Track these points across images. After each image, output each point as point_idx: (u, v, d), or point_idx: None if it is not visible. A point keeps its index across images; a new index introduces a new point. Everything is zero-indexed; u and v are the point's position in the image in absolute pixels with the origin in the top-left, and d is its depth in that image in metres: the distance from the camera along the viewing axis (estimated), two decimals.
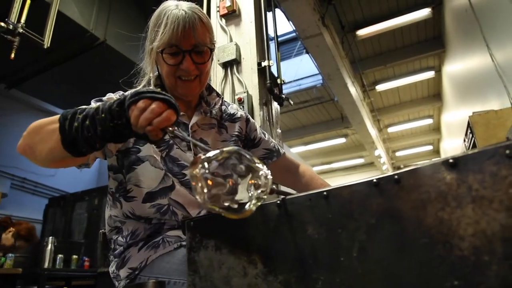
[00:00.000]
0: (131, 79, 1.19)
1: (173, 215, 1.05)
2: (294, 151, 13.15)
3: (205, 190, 0.61)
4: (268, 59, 2.75)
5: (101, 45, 4.72)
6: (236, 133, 1.27)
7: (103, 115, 0.75)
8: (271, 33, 3.23)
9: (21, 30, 2.76)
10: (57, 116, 0.82)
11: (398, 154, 15.13)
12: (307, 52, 6.25)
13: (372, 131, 9.80)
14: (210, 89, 1.29)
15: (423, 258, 0.50)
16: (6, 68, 5.11)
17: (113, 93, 1.14)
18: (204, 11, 3.25)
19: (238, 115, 1.32)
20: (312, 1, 4.98)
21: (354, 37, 7.29)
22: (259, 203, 0.63)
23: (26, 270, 3.36)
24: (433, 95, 10.44)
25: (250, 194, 0.63)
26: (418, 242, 0.51)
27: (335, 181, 14.74)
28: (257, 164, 0.64)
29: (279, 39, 3.44)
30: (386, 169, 13.51)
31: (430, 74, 8.98)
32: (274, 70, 2.87)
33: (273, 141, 1.40)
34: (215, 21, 2.97)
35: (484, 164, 0.49)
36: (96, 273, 3.82)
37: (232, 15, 2.90)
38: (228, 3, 2.84)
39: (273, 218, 0.66)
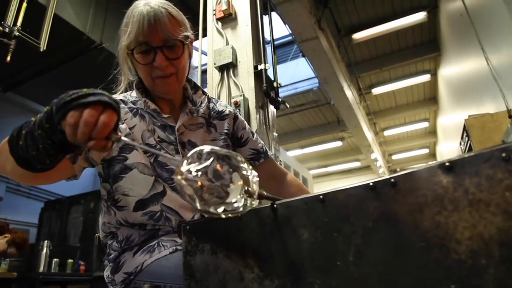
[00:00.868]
0: (111, 86, 1.16)
1: (166, 221, 1.03)
2: (290, 154, 13.15)
3: (193, 197, 0.60)
4: (265, 63, 2.76)
5: (98, 48, 4.72)
6: (225, 131, 1.23)
7: (39, 131, 0.66)
8: (267, 36, 3.24)
9: (17, 33, 2.75)
10: None
11: (394, 157, 15.19)
12: (303, 56, 6.28)
13: (369, 134, 9.83)
14: (196, 87, 1.25)
15: (420, 262, 0.50)
16: (2, 71, 5.08)
17: None
18: (201, 14, 3.25)
19: (227, 112, 1.27)
20: (308, 5, 5.01)
21: (350, 41, 7.32)
22: (248, 202, 0.63)
23: (21, 274, 3.34)
24: (429, 98, 10.50)
25: (239, 195, 0.62)
26: (415, 245, 0.51)
27: (332, 185, 14.74)
28: (241, 164, 0.63)
29: (275, 42, 3.45)
30: (382, 173, 13.55)
31: (426, 77, 9.03)
32: (270, 73, 2.87)
33: (262, 142, 1.36)
34: (212, 24, 2.98)
35: (481, 167, 0.49)
36: (91, 277, 3.80)
37: (228, 19, 2.91)
38: (224, 7, 2.84)
39: (269, 222, 0.66)
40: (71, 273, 3.95)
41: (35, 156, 0.68)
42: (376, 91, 9.41)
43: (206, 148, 0.63)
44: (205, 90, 1.32)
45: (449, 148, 8.61)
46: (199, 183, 0.60)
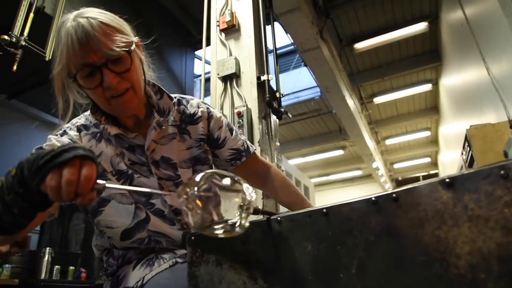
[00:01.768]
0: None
1: (156, 244, 1.00)
2: (292, 163, 13.14)
3: (196, 219, 0.61)
4: (267, 73, 2.78)
5: None
6: (201, 135, 1.13)
7: (11, 196, 0.62)
8: (270, 45, 3.26)
9: (23, 43, 2.79)
10: None
11: (396, 166, 15.16)
12: (305, 65, 6.31)
13: (370, 143, 9.83)
14: (161, 92, 1.10)
15: (421, 276, 0.51)
16: (7, 79, 5.13)
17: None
18: (204, 25, 3.27)
19: (199, 113, 1.14)
20: (310, 15, 5.05)
21: (351, 50, 7.37)
22: (244, 221, 0.63)
23: (22, 281, 3.34)
24: (431, 107, 10.52)
25: (236, 214, 0.63)
26: (416, 259, 0.52)
27: (333, 193, 14.67)
28: (237, 184, 0.64)
29: (277, 51, 3.48)
30: (384, 181, 13.51)
31: (427, 87, 9.07)
32: (273, 83, 2.90)
33: (242, 138, 1.24)
34: (215, 36, 3.01)
35: (480, 184, 0.51)
36: (94, 285, 3.79)
37: (231, 30, 2.94)
38: (228, 18, 2.88)
39: (273, 234, 0.67)
40: (72, 280, 3.94)
41: (11, 221, 0.64)
42: (377, 100, 9.44)
43: (203, 173, 0.64)
44: (182, 96, 1.19)
45: (451, 157, 8.61)
46: (197, 205, 0.62)
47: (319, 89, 7.76)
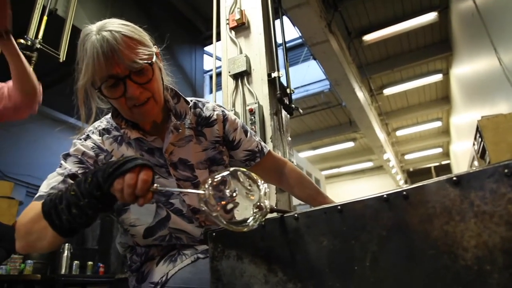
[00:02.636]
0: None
1: (177, 240, 1.06)
2: (302, 156, 13.17)
3: (216, 214, 0.69)
4: (278, 70, 2.81)
5: None
6: (216, 137, 1.17)
7: (86, 200, 0.76)
8: (279, 39, 3.28)
9: (38, 46, 2.86)
10: (39, 210, 0.81)
11: (407, 157, 15.06)
12: (314, 58, 6.30)
13: (381, 135, 9.79)
14: (178, 97, 1.15)
15: (430, 268, 0.55)
16: None
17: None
18: (214, 24, 3.30)
19: (214, 116, 1.18)
20: (319, 9, 5.04)
21: (360, 43, 7.33)
22: (262, 218, 0.70)
23: (44, 276, 3.46)
24: (441, 98, 10.41)
25: (253, 211, 0.69)
26: (426, 253, 0.56)
27: (344, 185, 14.64)
28: (257, 183, 0.70)
29: (286, 45, 3.49)
30: (395, 173, 13.45)
31: (438, 77, 8.97)
32: (283, 79, 2.92)
33: (256, 139, 1.28)
34: (225, 34, 3.04)
35: (485, 182, 0.54)
36: (113, 279, 3.90)
37: (241, 28, 2.97)
38: (237, 16, 2.90)
39: (291, 230, 0.72)
40: (91, 275, 4.05)
41: (83, 221, 0.78)
42: (387, 91, 9.38)
43: (224, 172, 0.71)
44: (195, 98, 1.23)
45: (463, 147, 8.53)
46: (218, 203, 0.69)
47: (329, 82, 7.74)
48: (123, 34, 0.92)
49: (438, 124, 11.91)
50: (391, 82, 9.27)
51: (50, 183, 0.95)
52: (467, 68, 6.59)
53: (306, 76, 8.42)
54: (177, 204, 1.06)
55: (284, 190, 1.39)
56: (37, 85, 1.69)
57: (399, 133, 12.36)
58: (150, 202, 0.76)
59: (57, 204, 0.78)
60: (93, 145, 1.05)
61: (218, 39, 3.22)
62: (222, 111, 1.22)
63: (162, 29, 5.54)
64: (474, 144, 4.13)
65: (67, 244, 3.91)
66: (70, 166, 0.98)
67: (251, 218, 0.69)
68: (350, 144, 12.64)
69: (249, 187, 0.72)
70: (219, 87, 3.17)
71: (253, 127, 2.55)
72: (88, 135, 1.07)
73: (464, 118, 8.01)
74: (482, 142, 3.48)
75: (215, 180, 0.72)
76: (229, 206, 0.71)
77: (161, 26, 5.73)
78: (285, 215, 0.73)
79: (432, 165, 15.69)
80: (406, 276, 0.57)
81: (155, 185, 0.77)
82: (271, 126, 2.56)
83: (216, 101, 3.22)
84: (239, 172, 0.71)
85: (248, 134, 1.25)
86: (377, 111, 9.82)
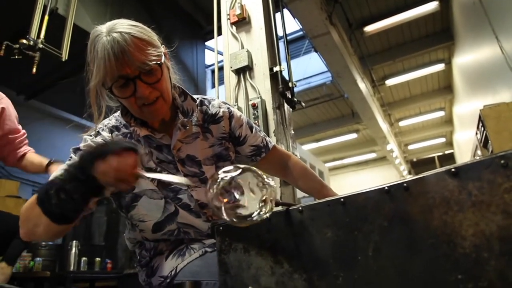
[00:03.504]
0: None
1: (186, 235, 1.08)
2: (305, 148, 13.17)
3: (221, 210, 0.70)
4: (279, 64, 2.81)
5: None
6: (222, 133, 1.20)
7: (72, 184, 0.74)
8: (280, 33, 3.27)
9: (41, 46, 2.88)
10: (35, 197, 0.81)
11: (410, 147, 15.03)
12: (315, 51, 6.29)
13: (383, 125, 9.77)
14: (185, 94, 1.17)
15: (431, 256, 0.57)
16: (26, 81, 5.27)
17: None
18: (215, 19, 3.31)
19: (221, 113, 1.21)
20: (319, 1, 5.02)
21: (362, 34, 7.30)
22: (267, 213, 0.71)
23: (53, 273, 3.51)
24: (444, 87, 10.36)
25: (259, 206, 0.71)
26: (426, 242, 0.58)
27: (348, 177, 14.60)
28: (265, 179, 0.72)
29: (287, 37, 3.48)
30: (398, 163, 13.43)
31: (440, 66, 8.93)
32: (285, 73, 2.93)
33: (261, 135, 1.31)
34: (226, 29, 3.05)
35: (482, 173, 0.56)
36: (121, 274, 3.95)
37: (242, 23, 2.97)
38: (238, 11, 2.91)
39: (296, 222, 0.74)
40: (99, 271, 4.11)
41: (71, 207, 0.76)
42: (389, 82, 9.35)
43: (228, 167, 0.72)
44: (201, 96, 1.26)
45: (466, 137, 8.51)
46: (225, 199, 0.70)
47: (330, 74, 7.73)
48: (132, 35, 0.94)
49: (441, 113, 11.87)
50: (393, 72, 9.24)
51: (56, 173, 0.96)
52: (469, 57, 6.56)
53: (308, 69, 8.40)
54: (185, 199, 1.09)
55: (289, 183, 1.42)
56: None
57: (402, 123, 12.33)
58: (133, 186, 0.78)
59: (48, 190, 0.76)
60: (103, 142, 1.07)
61: (220, 33, 3.23)
62: (228, 108, 1.25)
63: (163, 24, 5.54)
64: (476, 134, 4.12)
65: (74, 241, 3.96)
66: None
67: (256, 213, 0.71)
68: (353, 136, 12.63)
69: (254, 183, 0.74)
70: (221, 81, 3.18)
71: (256, 121, 2.57)
72: (98, 131, 1.11)
73: (467, 108, 7.98)
74: (485, 131, 3.48)
75: (220, 176, 0.74)
76: (235, 201, 0.73)
77: (162, 21, 5.72)
78: (290, 208, 0.75)
79: (435, 155, 15.66)
80: (407, 264, 0.59)
81: (140, 172, 0.78)
82: (274, 120, 2.58)
83: (218, 96, 3.26)
84: (244, 168, 0.73)
85: (254, 130, 1.28)
86: (380, 102, 9.79)
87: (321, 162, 14.74)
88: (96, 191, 0.78)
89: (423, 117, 12.04)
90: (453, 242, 0.56)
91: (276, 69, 2.74)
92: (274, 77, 2.78)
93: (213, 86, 8.50)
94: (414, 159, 16.80)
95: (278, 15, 3.35)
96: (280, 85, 2.74)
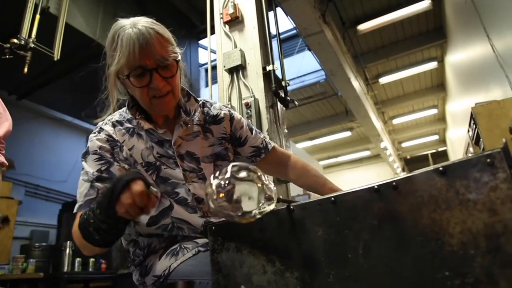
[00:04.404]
0: (96, 110, 1.19)
1: (179, 230, 1.10)
2: (299, 147, 13.20)
3: (220, 208, 0.70)
4: (273, 63, 2.82)
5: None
6: (222, 134, 1.25)
7: (105, 225, 0.87)
8: (273, 31, 3.27)
9: (32, 45, 2.85)
10: (79, 233, 0.94)
11: (404, 145, 15.12)
12: (309, 49, 6.30)
13: (377, 123, 9.82)
14: (189, 96, 1.24)
15: (419, 254, 0.58)
16: (17, 80, 5.22)
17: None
18: (208, 18, 3.30)
19: (222, 114, 1.27)
20: (312, 0, 5.03)
21: (355, 32, 7.31)
22: (266, 211, 0.71)
23: (47, 274, 3.49)
24: (437, 85, 10.43)
25: (260, 203, 0.71)
26: (415, 239, 0.59)
27: (342, 175, 14.65)
28: (259, 175, 0.72)
29: (281, 36, 3.49)
30: (392, 161, 13.51)
31: (433, 64, 8.98)
32: (278, 72, 2.94)
33: (261, 136, 1.36)
34: (219, 28, 3.05)
35: (469, 171, 0.57)
36: (115, 275, 3.94)
37: (235, 22, 2.97)
38: (231, 10, 2.91)
39: (287, 221, 0.75)
40: (93, 271, 4.09)
41: (112, 238, 0.93)
42: (383, 80, 9.38)
43: (229, 166, 0.72)
44: (201, 98, 1.33)
45: (459, 134, 8.58)
46: (224, 195, 0.70)
47: (324, 72, 7.74)
48: (156, 31, 1.02)
49: (434, 111, 11.94)
50: (386, 70, 9.28)
51: (81, 192, 1.05)
52: (461, 55, 6.61)
53: (302, 67, 8.42)
54: (182, 193, 1.11)
55: (292, 182, 1.44)
56: None
57: (395, 121, 12.39)
58: (156, 204, 0.84)
59: (87, 228, 0.90)
60: (107, 136, 1.12)
61: (213, 32, 3.23)
62: (229, 110, 1.32)
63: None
64: (468, 131, 4.16)
65: (68, 241, 3.94)
66: (91, 169, 1.06)
67: (255, 210, 0.71)
68: (347, 134, 12.67)
69: (253, 181, 0.74)
70: (214, 80, 3.18)
71: (249, 120, 2.58)
72: (101, 127, 1.15)
73: (459, 105, 8.04)
74: (477, 129, 3.51)
75: (220, 174, 0.74)
76: (233, 199, 0.73)
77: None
78: (292, 205, 0.75)
79: (429, 152, 15.76)
80: (396, 262, 0.60)
81: (154, 189, 0.84)
82: (267, 119, 2.59)
83: (212, 95, 3.26)
84: (246, 166, 0.74)
85: (254, 131, 1.34)
86: (373, 100, 9.83)
87: (315, 160, 14.79)
88: (126, 223, 0.91)
89: (416, 115, 12.11)
90: (441, 239, 0.57)
91: (269, 68, 2.75)
92: (267, 76, 2.78)
93: (207, 85, 8.49)
94: (408, 157, 16.90)
95: (271, 13, 3.35)
96: (273, 84, 2.75)
